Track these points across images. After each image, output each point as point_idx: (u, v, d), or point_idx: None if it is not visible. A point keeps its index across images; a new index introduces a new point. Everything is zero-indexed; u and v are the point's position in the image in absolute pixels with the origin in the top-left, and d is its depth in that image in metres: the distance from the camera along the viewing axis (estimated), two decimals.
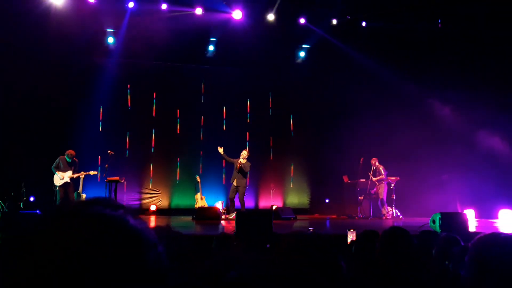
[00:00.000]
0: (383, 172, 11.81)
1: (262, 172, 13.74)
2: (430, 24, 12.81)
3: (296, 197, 13.96)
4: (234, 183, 10.59)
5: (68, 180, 10.05)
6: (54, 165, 10.10)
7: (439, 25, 12.88)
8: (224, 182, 13.24)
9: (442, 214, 6.84)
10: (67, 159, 10.12)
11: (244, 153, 10.72)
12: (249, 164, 10.74)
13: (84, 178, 10.45)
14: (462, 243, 3.20)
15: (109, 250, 0.66)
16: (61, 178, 10.04)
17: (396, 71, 12.65)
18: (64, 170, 10.08)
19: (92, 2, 11.55)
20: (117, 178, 10.23)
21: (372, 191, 11.97)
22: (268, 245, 4.86)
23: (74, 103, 12.16)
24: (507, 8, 11.13)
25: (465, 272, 2.20)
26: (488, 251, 2.06)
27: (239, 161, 10.58)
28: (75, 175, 10.16)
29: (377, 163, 11.94)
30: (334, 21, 13.10)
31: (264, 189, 13.78)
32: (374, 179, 11.85)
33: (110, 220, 0.70)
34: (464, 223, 6.89)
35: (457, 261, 2.80)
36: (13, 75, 11.21)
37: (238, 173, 10.61)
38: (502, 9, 11.25)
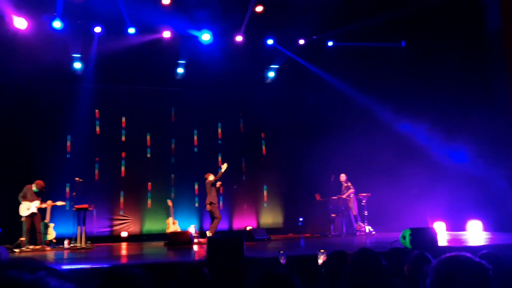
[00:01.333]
0: (351, 187, 11.99)
1: (236, 193, 13.66)
2: (394, 44, 13.19)
3: (270, 217, 13.91)
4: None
5: (35, 211, 9.74)
6: (21, 194, 9.77)
7: (403, 44, 13.25)
8: (197, 205, 13.08)
9: (411, 229, 6.91)
10: (34, 189, 9.82)
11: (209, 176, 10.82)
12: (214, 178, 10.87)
13: (51, 207, 10.17)
14: (433, 260, 3.22)
15: None
16: (27, 208, 9.71)
17: (363, 89, 12.92)
18: (31, 200, 9.77)
19: (57, 28, 11.38)
20: (85, 206, 10.01)
21: (344, 208, 12.04)
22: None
23: (40, 130, 11.89)
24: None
25: None
26: (448, 275, 2.08)
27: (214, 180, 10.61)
28: (43, 205, 9.87)
29: (345, 179, 12.13)
30: (302, 41, 13.32)
31: (237, 210, 13.68)
32: (344, 196, 11.96)
33: (25, 285, 0.65)
34: (433, 238, 6.97)
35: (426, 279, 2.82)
36: None
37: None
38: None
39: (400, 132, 12.67)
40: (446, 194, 11.48)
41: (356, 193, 12.14)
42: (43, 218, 10.16)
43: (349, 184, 12.11)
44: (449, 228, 11.66)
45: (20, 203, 9.71)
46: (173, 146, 13.43)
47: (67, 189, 11.94)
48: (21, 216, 9.68)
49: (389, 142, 12.43)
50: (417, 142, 12.40)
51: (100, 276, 2.16)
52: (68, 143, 12.52)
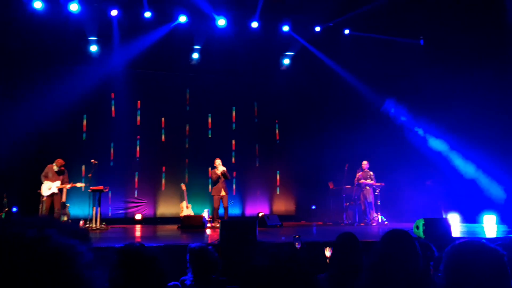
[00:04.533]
0: (373, 177, 11.87)
1: (248, 180, 13.76)
2: (413, 40, 12.98)
3: (283, 204, 13.98)
4: (223, 193, 10.67)
5: (56, 191, 9.87)
6: (43, 173, 9.94)
7: (421, 42, 13.04)
8: (210, 190, 13.18)
9: (425, 220, 6.90)
10: (55, 168, 9.97)
11: (218, 161, 10.81)
12: (225, 169, 10.86)
13: (68, 189, 10.33)
14: (435, 250, 3.25)
15: (20, 274, 0.62)
16: (49, 188, 9.86)
17: (377, 82, 12.84)
18: (53, 180, 9.90)
19: (74, 10, 11.46)
20: (101, 187, 10.11)
21: (357, 197, 12.02)
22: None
23: (57, 112, 12.02)
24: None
25: (440, 280, 2.23)
26: (461, 259, 2.09)
27: (220, 171, 10.64)
28: (66, 186, 9.99)
29: (367, 166, 11.98)
30: (318, 28, 13.23)
31: (250, 196, 13.77)
32: (376, 183, 11.81)
33: (26, 242, 0.66)
34: (447, 229, 6.96)
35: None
36: None
37: (223, 182, 10.67)
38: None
39: (416, 124, 12.59)
40: (462, 186, 11.41)
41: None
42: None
43: (372, 173, 11.96)
44: (463, 220, 11.59)
45: (42, 183, 9.88)
46: (187, 130, 13.52)
47: (83, 171, 12.12)
48: (42, 196, 9.86)
49: (403, 133, 12.37)
50: (432, 134, 12.32)
51: (117, 253, 2.18)
52: (84, 125, 12.68)
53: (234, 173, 13.54)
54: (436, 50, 12.55)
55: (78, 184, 10.15)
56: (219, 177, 10.69)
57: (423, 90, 12.36)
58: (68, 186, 10.02)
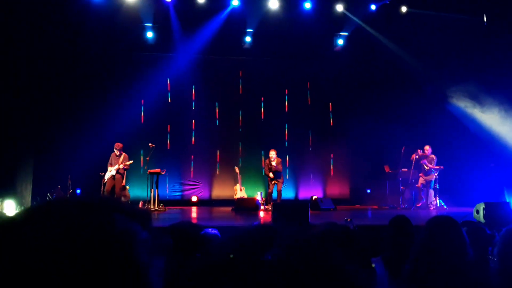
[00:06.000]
0: (435, 161, 11.48)
1: (302, 163, 13.79)
2: (475, 17, 12.24)
3: (337, 187, 13.90)
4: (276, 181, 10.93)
5: (114, 173, 10.39)
6: (108, 162, 10.51)
7: (485, 21, 12.26)
8: (263, 173, 13.35)
9: (486, 204, 6.65)
10: (116, 153, 10.47)
11: (273, 154, 10.98)
12: (280, 160, 11.08)
13: (127, 170, 10.81)
14: (497, 235, 3.14)
15: (84, 258, 0.63)
16: (109, 171, 10.43)
17: (436, 62, 12.33)
18: (114, 164, 10.46)
19: None
20: (158, 170, 10.46)
21: (414, 180, 11.71)
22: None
23: (116, 97, 12.55)
24: None
25: (494, 264, 2.17)
26: None
27: (272, 165, 10.89)
28: (119, 166, 10.41)
29: (430, 151, 11.61)
30: (373, 7, 12.84)
31: (303, 180, 13.80)
32: (436, 166, 11.48)
33: (93, 226, 0.67)
34: (509, 213, 6.66)
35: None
36: (54, 71, 11.69)
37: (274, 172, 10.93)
38: None
39: (476, 105, 12.02)
40: None
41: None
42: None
43: (434, 157, 11.59)
44: None
45: (108, 171, 10.48)
46: (240, 114, 13.68)
47: (141, 155, 12.60)
48: (104, 179, 10.44)
49: (462, 115, 11.86)
50: (494, 115, 11.73)
51: (171, 230, 2.25)
52: (142, 110, 13.14)
53: (287, 157, 13.57)
54: (500, 28, 11.81)
55: (128, 162, 10.53)
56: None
57: (486, 71, 11.72)
58: (120, 166, 10.40)
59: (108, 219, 0.68)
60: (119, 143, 10.51)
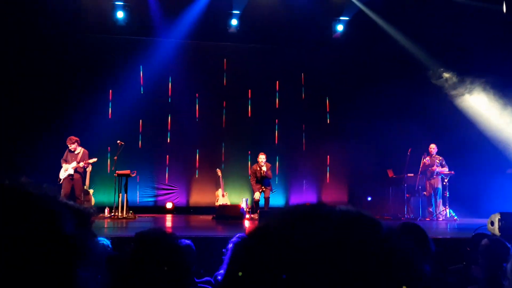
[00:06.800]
0: (444, 163, 11.52)
1: (294, 165, 13.78)
2: (493, 5, 12.26)
3: (333, 194, 13.90)
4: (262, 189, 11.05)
5: (72, 172, 10.19)
6: (63, 157, 10.33)
7: (504, 9, 12.30)
8: (249, 178, 13.27)
9: (502, 214, 6.67)
10: (70, 148, 10.24)
11: (262, 158, 11.05)
12: (270, 166, 11.22)
13: (91, 171, 10.66)
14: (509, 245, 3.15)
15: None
16: (65, 170, 10.21)
17: (446, 53, 12.39)
18: (70, 161, 10.26)
19: None
20: (127, 172, 10.37)
21: (420, 187, 11.74)
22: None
23: (81, 86, 12.39)
24: None
25: (508, 282, 2.13)
26: None
27: (262, 170, 10.95)
28: (79, 165, 10.21)
29: (436, 150, 11.64)
30: None
31: (295, 184, 13.79)
32: (445, 170, 11.50)
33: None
34: None
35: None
36: (12, 56, 11.49)
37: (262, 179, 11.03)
38: None
39: (493, 102, 12.12)
40: None
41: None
42: (83, 184, 10.67)
43: (441, 158, 11.63)
44: None
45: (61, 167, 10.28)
46: (224, 110, 13.61)
47: (108, 153, 12.44)
48: (60, 179, 10.18)
49: (477, 114, 11.94)
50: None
51: (135, 239, 2.19)
52: (109, 103, 12.98)
53: (277, 159, 13.55)
54: None
55: (91, 160, 10.36)
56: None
57: (506, 63, 11.79)
58: (81, 164, 10.18)
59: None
60: (73, 137, 10.23)
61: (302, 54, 13.69)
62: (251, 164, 12.64)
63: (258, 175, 11.08)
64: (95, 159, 10.49)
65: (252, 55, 13.56)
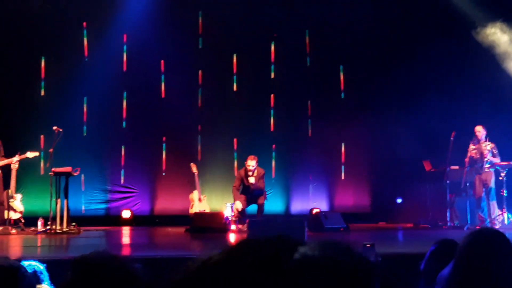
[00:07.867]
0: (496, 152, 11.47)
1: (297, 158, 13.82)
2: None
3: (350, 196, 14.04)
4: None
5: None
6: None
7: None
8: (235, 174, 13.15)
9: None
10: None
11: (251, 164, 11.06)
12: (262, 173, 11.29)
13: (17, 169, 10.48)
14: None
15: None
16: None
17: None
18: None
19: None
20: (68, 169, 10.27)
21: (469, 184, 11.66)
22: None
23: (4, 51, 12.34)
24: None
25: None
26: None
27: (250, 183, 11.07)
28: (5, 161, 10.23)
29: (484, 133, 11.57)
30: None
31: (299, 184, 13.79)
32: (495, 159, 11.44)
33: None
34: None
35: None
36: None
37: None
38: None
39: None
40: None
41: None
42: (7, 186, 10.50)
43: (493, 145, 11.55)
44: None
45: None
46: (200, 79, 13.57)
47: (42, 143, 12.35)
48: None
49: None
50: None
51: (73, 266, 2.10)
52: (42, 70, 12.85)
53: (274, 146, 13.53)
54: None
55: (29, 154, 10.44)
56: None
57: None
58: (6, 161, 10.22)
59: None
60: None
61: (306, 4, 13.63)
62: (237, 157, 12.57)
63: (246, 185, 11.08)
64: (37, 153, 10.67)
65: (237, 7, 13.41)
